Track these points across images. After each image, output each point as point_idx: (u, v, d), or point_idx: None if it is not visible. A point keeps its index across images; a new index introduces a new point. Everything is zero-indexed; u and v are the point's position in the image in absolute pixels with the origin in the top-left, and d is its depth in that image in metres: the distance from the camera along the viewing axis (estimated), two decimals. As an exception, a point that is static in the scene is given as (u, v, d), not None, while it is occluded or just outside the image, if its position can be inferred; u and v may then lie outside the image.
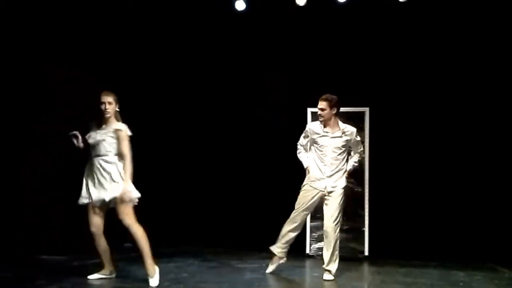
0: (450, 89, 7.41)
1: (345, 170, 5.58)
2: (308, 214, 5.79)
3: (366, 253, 6.94)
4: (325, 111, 5.45)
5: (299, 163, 5.71)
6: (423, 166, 7.40)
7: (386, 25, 7.52)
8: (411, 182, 7.36)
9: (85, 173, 5.14)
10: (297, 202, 5.58)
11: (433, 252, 6.99)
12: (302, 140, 5.73)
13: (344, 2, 7.37)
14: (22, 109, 6.69)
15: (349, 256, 6.68)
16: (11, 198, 6.57)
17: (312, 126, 5.66)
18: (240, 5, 7.67)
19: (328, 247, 5.37)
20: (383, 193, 7.20)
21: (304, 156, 5.68)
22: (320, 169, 5.51)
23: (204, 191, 7.99)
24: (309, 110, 7.01)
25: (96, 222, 5.10)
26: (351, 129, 5.58)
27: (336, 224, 5.38)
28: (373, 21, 7.55)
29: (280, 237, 5.61)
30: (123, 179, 4.97)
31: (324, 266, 5.42)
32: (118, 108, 5.20)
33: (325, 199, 5.49)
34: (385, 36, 7.57)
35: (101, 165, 5.02)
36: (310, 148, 5.66)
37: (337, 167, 5.51)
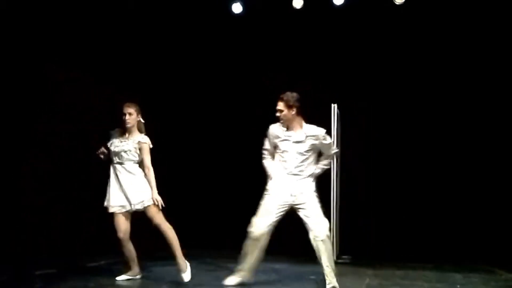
0: (449, 91, 7.45)
1: (312, 174, 4.99)
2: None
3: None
4: (283, 112, 4.88)
5: None
6: (420, 168, 7.43)
7: (381, 26, 7.57)
8: (408, 185, 7.39)
9: (109, 181, 5.24)
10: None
11: (430, 254, 7.01)
12: (266, 144, 5.12)
13: (341, 5, 7.40)
14: (22, 109, 6.67)
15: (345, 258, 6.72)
16: (11, 198, 6.56)
17: (273, 129, 5.03)
18: (237, 8, 7.71)
19: (330, 259, 4.84)
20: (380, 195, 7.23)
21: (268, 164, 5.07)
22: (285, 175, 4.94)
23: (202, 193, 8.00)
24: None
25: (124, 227, 5.20)
26: (317, 132, 4.95)
27: (328, 231, 4.87)
28: (369, 23, 7.59)
29: None
30: (148, 187, 5.14)
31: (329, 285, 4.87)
32: (142, 119, 5.32)
33: (299, 209, 4.93)
34: (381, 38, 7.60)
35: (125, 173, 5.17)
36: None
37: (302, 174, 4.93)
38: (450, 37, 7.42)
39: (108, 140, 5.29)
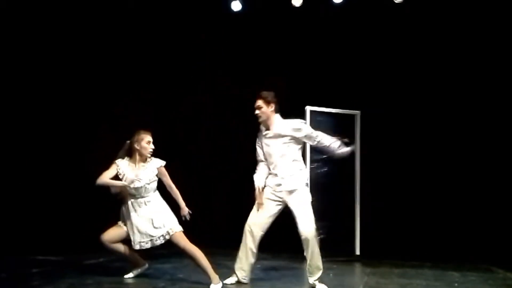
0: (443, 91, 7.44)
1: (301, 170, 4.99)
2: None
3: (358, 252, 6.94)
4: (262, 109, 4.93)
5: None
6: (418, 167, 7.42)
7: (379, 27, 7.55)
8: (406, 183, 7.38)
9: (129, 216, 5.03)
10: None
11: (428, 253, 7.02)
12: (257, 153, 5.14)
13: (340, 3, 7.39)
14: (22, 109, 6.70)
15: (343, 257, 6.72)
16: (9, 196, 6.57)
17: (259, 132, 5.09)
18: (236, 6, 7.70)
19: (312, 256, 4.89)
20: (378, 194, 7.22)
21: (256, 177, 5.09)
22: (272, 176, 5.01)
23: (199, 191, 7.98)
24: (308, 108, 7.02)
25: (112, 238, 5.09)
26: (295, 125, 4.96)
27: (312, 230, 4.90)
28: (367, 24, 7.58)
29: None
30: (167, 211, 5.06)
31: (310, 279, 4.97)
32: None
33: (289, 207, 4.97)
34: (378, 38, 7.59)
35: (144, 205, 5.01)
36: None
37: (288, 169, 4.95)
38: (450, 36, 7.41)
39: (116, 173, 4.97)
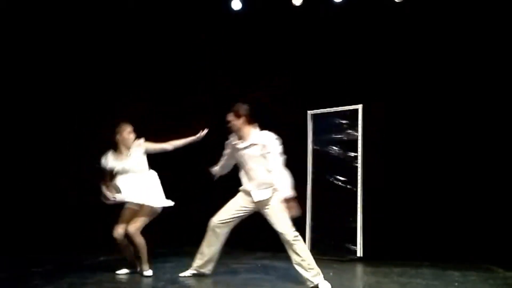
0: (445, 88, 7.40)
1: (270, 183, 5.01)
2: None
3: (360, 254, 6.93)
4: (232, 122, 5.14)
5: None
6: (418, 166, 7.41)
7: (379, 24, 7.53)
8: (405, 183, 7.37)
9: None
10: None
11: (428, 252, 7.01)
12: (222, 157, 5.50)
13: (340, 1, 7.39)
14: (21, 108, 6.70)
15: (343, 256, 6.72)
16: (9, 196, 6.58)
17: (230, 139, 5.30)
18: (236, 5, 7.71)
19: (300, 259, 4.91)
20: (377, 193, 7.22)
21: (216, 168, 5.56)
22: (247, 183, 5.15)
23: (200, 191, 7.98)
24: (309, 112, 7.05)
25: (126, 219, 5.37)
26: (265, 139, 5.05)
27: (289, 234, 4.92)
28: (367, 21, 7.56)
29: None
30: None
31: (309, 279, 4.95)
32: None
33: (263, 213, 5.11)
34: (379, 34, 7.58)
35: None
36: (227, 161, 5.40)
37: (260, 181, 5.05)
38: (446, 35, 7.40)
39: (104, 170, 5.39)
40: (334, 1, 7.39)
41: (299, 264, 4.94)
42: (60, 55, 7.37)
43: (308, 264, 4.93)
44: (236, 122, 5.13)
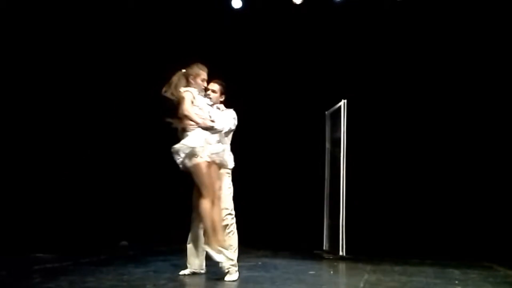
0: (431, 84, 7.43)
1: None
2: None
3: (342, 253, 6.73)
4: (215, 94, 5.28)
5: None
6: (419, 165, 7.42)
7: (381, 23, 7.55)
8: (406, 181, 7.38)
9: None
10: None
11: (429, 250, 7.01)
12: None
13: (339, 1, 7.40)
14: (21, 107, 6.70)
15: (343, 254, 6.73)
16: (10, 194, 6.58)
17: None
18: (236, 3, 7.73)
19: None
20: (378, 192, 7.22)
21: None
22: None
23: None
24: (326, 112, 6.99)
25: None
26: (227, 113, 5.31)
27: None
28: (365, 19, 7.59)
29: None
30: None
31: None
32: None
33: None
34: (378, 35, 7.60)
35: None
36: None
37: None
38: (451, 34, 7.41)
39: None
40: (334, 1, 7.40)
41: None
42: (60, 55, 7.36)
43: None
44: (217, 96, 5.28)
